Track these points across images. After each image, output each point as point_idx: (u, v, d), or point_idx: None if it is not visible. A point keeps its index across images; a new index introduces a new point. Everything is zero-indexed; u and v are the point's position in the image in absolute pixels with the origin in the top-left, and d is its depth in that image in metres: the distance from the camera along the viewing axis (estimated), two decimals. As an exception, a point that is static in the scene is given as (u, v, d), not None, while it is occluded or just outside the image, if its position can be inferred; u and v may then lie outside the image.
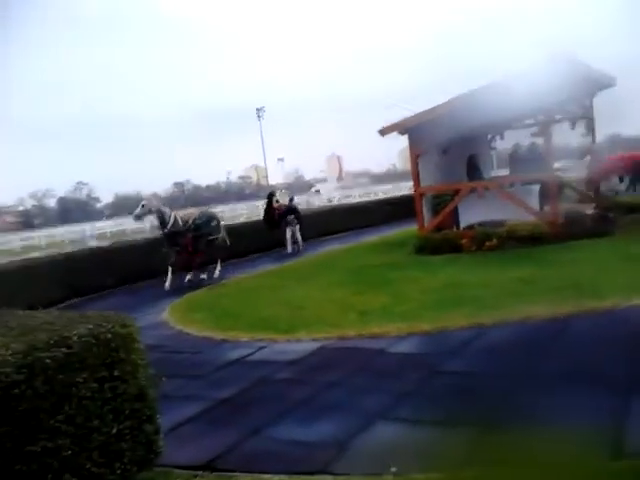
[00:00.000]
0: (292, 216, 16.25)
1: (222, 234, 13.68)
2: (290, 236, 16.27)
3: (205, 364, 6.37)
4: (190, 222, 12.50)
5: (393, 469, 3.42)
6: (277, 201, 17.41)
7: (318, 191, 65.24)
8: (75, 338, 3.22)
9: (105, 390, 3.30)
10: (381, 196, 32.53)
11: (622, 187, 18.35)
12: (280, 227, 16.46)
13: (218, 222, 13.67)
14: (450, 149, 14.45)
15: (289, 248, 16.20)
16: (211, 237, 13.00)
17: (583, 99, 14.51)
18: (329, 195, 47.76)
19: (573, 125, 14.64)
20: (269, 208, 17.06)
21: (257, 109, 76.59)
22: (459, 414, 4.08)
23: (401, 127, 13.17)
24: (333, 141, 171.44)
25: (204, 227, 12.75)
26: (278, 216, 16.62)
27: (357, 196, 41.97)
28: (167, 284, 11.73)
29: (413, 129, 13.14)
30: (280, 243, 16.69)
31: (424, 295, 8.07)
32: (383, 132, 13.41)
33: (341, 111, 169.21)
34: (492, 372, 4.87)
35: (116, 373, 3.37)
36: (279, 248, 16.70)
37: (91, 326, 3.36)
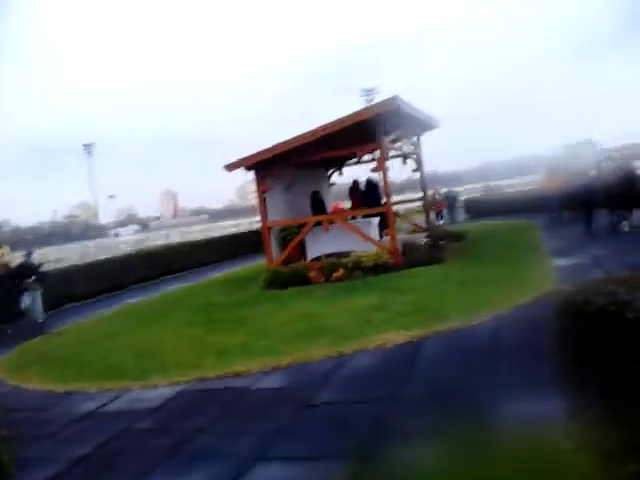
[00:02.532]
0: (31, 279, 11.79)
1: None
2: (29, 304, 11.71)
3: (52, 421, 5.72)
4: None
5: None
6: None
7: (117, 235, 61.00)
8: None
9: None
10: (224, 232, 32.26)
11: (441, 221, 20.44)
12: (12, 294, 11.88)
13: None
14: (294, 185, 14.88)
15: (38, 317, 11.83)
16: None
17: (412, 138, 15.86)
18: (129, 238, 44.81)
19: (405, 161, 15.89)
20: None
21: (85, 145, 72.77)
22: (337, 445, 4.09)
23: (247, 163, 13.27)
24: (168, 178, 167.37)
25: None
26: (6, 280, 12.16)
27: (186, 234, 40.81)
28: None
29: (259, 165, 13.32)
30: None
31: (281, 329, 8.08)
32: (229, 168, 13.41)
33: (177, 148, 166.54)
34: (360, 399, 4.96)
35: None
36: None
37: None
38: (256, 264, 16.88)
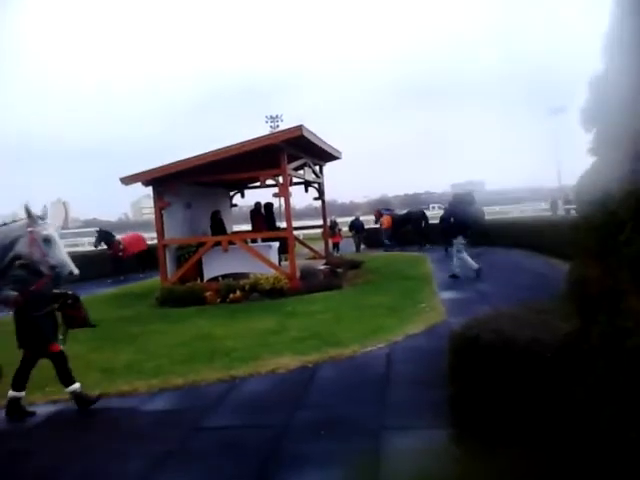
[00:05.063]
0: None
1: None
2: None
3: None
4: None
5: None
6: None
7: None
8: None
9: None
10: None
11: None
12: None
13: None
14: (194, 203, 14.64)
15: None
16: None
17: (315, 167, 16.16)
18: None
19: (307, 188, 16.15)
20: None
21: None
22: (226, 471, 4.00)
23: (144, 178, 12.89)
24: (59, 188, 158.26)
25: None
26: None
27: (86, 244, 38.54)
28: None
29: (157, 181, 12.98)
30: None
31: (173, 349, 7.83)
32: (125, 181, 12.94)
33: (69, 158, 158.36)
34: (251, 424, 4.90)
35: None
36: None
37: None
38: (150, 281, 16.31)
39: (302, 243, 17.64)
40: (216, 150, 12.16)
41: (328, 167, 17.64)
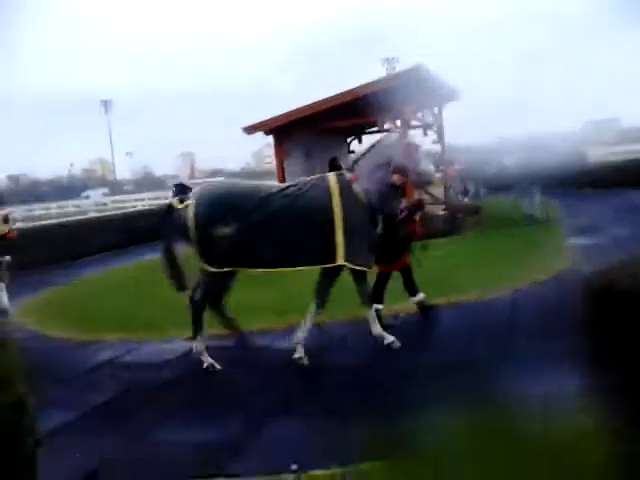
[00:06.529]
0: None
1: None
2: None
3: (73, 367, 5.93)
4: None
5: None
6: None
7: (88, 197, 56.97)
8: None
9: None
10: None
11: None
12: None
13: None
14: (313, 151, 14.83)
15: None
16: None
17: (433, 108, 15.62)
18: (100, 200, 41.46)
19: (425, 132, 15.72)
20: None
21: (103, 101, 72.62)
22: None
23: (267, 127, 13.24)
24: (186, 137, 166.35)
25: None
26: None
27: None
28: None
29: (278, 129, 13.27)
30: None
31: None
32: (248, 131, 13.38)
33: (195, 107, 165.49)
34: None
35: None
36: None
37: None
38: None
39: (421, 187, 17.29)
40: (335, 95, 12.16)
41: (449, 109, 16.95)
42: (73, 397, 5.15)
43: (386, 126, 14.27)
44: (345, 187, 5.23)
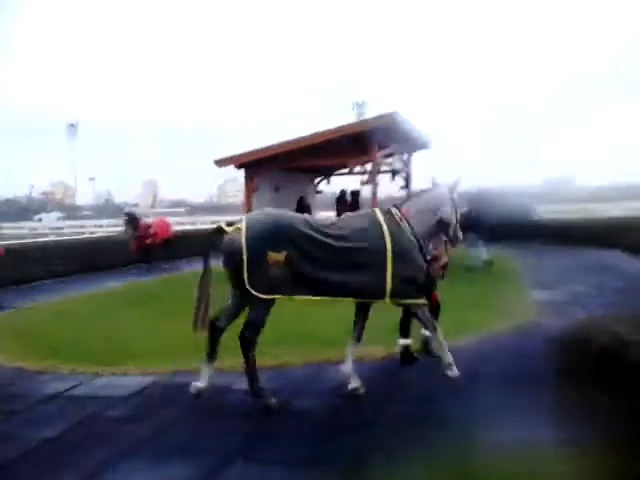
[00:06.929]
0: None
1: None
2: None
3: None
4: None
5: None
6: None
7: (40, 219, 54.97)
8: None
9: None
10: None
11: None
12: None
13: None
14: (281, 187, 14.90)
15: None
16: None
17: (403, 154, 15.97)
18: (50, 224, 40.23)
19: (393, 177, 16.00)
20: None
21: (70, 124, 71.78)
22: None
23: (238, 161, 13.27)
24: (151, 167, 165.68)
25: None
26: None
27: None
28: None
29: (250, 164, 13.32)
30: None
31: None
32: (220, 164, 13.40)
33: (164, 138, 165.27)
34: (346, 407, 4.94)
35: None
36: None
37: None
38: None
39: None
40: (309, 135, 12.33)
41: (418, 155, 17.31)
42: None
43: (356, 169, 14.49)
44: (394, 223, 5.27)
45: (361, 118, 29.11)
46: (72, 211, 70.04)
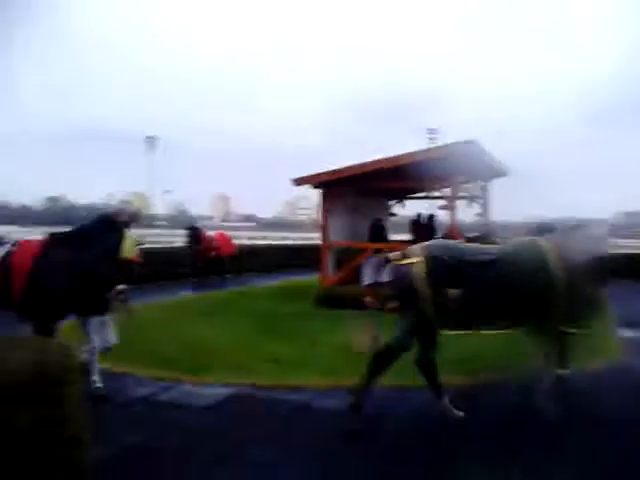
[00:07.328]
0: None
1: None
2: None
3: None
4: None
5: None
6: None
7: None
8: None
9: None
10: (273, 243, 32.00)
11: None
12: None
13: None
14: (358, 209, 14.90)
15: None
16: None
17: (481, 182, 15.64)
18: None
19: (470, 204, 15.68)
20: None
21: (148, 137, 74.75)
22: None
23: (316, 180, 13.38)
24: (222, 181, 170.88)
25: None
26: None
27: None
28: None
29: (327, 184, 13.41)
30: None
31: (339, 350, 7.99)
32: (298, 182, 13.54)
33: (236, 153, 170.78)
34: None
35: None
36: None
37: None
38: (304, 279, 16.76)
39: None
40: (389, 157, 12.25)
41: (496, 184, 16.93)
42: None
43: (434, 194, 14.32)
44: (559, 253, 5.30)
45: (434, 144, 28.82)
46: (148, 221, 72.70)
